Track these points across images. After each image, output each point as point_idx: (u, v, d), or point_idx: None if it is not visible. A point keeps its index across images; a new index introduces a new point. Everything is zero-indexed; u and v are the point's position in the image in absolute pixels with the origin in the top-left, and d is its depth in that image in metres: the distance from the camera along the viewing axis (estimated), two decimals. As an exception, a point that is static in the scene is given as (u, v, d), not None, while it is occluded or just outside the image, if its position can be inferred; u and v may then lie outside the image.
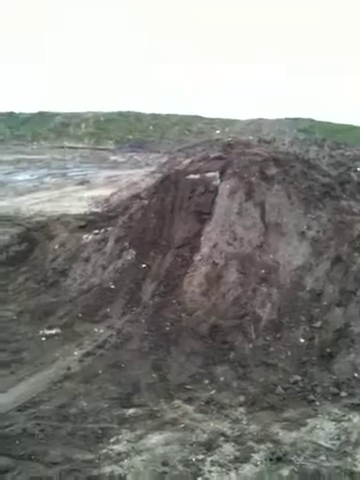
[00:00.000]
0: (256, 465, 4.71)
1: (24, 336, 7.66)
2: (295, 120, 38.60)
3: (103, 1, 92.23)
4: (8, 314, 8.44)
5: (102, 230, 10.37)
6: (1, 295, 9.31)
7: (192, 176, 9.73)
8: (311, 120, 38.77)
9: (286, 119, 39.08)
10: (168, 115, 43.99)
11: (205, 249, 8.59)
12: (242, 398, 5.98)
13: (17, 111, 46.71)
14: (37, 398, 5.92)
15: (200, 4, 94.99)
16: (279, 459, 4.74)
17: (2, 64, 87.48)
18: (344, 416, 5.45)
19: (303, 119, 38.96)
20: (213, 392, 6.15)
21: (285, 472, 4.58)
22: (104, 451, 4.91)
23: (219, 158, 10.09)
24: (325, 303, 7.46)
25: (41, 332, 7.75)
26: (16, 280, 9.87)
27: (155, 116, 44.23)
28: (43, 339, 7.58)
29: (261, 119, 39.79)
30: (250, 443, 5.03)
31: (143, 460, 4.76)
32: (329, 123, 37.55)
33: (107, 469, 4.61)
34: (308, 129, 35.42)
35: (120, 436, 5.18)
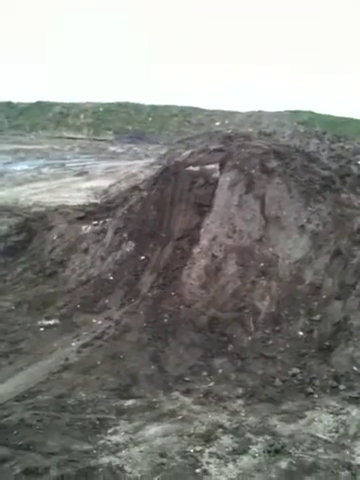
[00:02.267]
0: (254, 457, 4.70)
1: (22, 326, 7.64)
2: (295, 113, 38.51)
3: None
4: (6, 304, 8.41)
5: (101, 221, 10.34)
6: (-1, 285, 9.30)
7: (192, 168, 9.67)
8: (311, 113, 38.68)
9: (286, 112, 38.99)
10: (167, 106, 43.77)
11: (204, 241, 8.57)
12: (240, 390, 5.98)
13: (15, 101, 46.44)
14: (35, 388, 5.91)
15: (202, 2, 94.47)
16: (277, 451, 4.73)
17: (0, 54, 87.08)
18: (342, 409, 5.44)
19: (303, 112, 38.88)
20: (212, 384, 6.14)
21: (283, 464, 4.57)
22: (102, 442, 4.90)
23: (219, 150, 10.02)
24: (324, 296, 7.45)
25: (39, 323, 7.74)
26: (14, 270, 9.85)
27: (154, 107, 44.02)
28: (41, 330, 7.56)
29: (261, 111, 39.70)
30: (248, 435, 5.03)
31: (141, 451, 4.75)
32: (329, 116, 37.46)
33: (105, 460, 4.60)
34: (308, 122, 35.33)
35: (118, 427, 5.17)
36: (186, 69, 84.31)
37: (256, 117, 38.51)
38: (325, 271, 7.79)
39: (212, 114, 41.60)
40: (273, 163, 9.29)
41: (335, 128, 29.75)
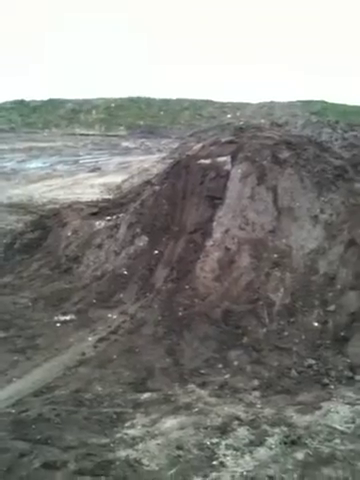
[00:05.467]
0: (271, 448, 4.69)
1: (39, 322, 7.73)
2: (307, 102, 38.14)
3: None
4: (23, 301, 8.51)
5: (114, 216, 10.38)
6: (16, 282, 9.40)
7: (203, 161, 9.64)
8: (324, 102, 38.28)
9: (298, 102, 38.64)
10: (179, 100, 43.67)
11: (217, 234, 8.55)
12: (256, 382, 5.98)
13: (28, 99, 46.69)
14: (52, 383, 5.98)
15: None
16: (293, 442, 4.72)
17: (12, 52, 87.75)
18: (359, 399, 5.41)
19: (315, 101, 38.48)
20: (227, 376, 6.15)
21: (300, 455, 4.56)
22: (119, 435, 4.92)
23: (230, 142, 9.95)
24: (339, 287, 7.40)
25: (56, 318, 7.82)
26: (30, 267, 9.95)
27: (166, 101, 43.94)
28: (58, 325, 7.64)
29: (273, 102, 39.40)
30: (264, 427, 5.02)
31: (158, 444, 4.77)
32: (342, 105, 37.03)
33: (122, 453, 4.63)
34: (321, 111, 34.99)
35: (135, 420, 5.20)
36: (197, 61, 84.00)
37: (268, 108, 38.22)
38: (339, 261, 7.73)
39: (223, 106, 41.39)
40: (285, 154, 9.21)
41: (348, 117, 29.42)
